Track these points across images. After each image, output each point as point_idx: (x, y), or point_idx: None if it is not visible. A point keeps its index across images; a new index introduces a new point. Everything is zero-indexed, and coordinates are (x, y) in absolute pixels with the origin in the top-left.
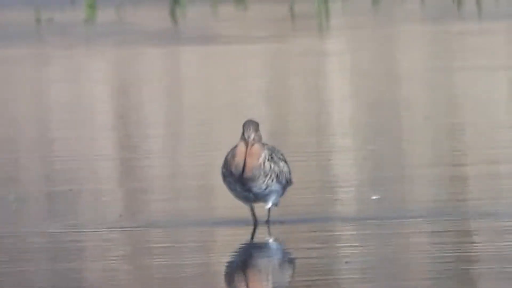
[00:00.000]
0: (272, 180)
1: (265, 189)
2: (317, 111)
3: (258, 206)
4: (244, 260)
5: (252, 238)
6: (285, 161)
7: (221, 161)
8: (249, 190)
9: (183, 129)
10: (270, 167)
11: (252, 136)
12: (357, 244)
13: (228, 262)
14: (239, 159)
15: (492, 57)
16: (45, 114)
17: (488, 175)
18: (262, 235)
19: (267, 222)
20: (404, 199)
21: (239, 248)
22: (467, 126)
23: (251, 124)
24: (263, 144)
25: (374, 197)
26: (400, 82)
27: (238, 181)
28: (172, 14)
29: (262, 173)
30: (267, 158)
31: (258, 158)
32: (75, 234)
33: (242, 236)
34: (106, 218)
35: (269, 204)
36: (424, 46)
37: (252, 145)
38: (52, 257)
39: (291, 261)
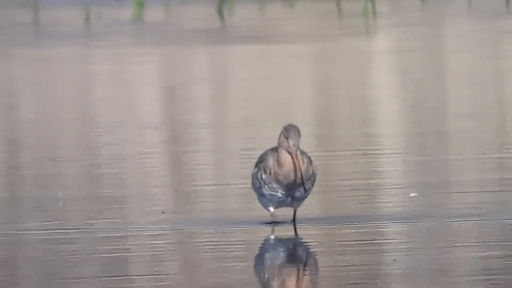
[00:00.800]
0: (312, 184)
1: (305, 192)
2: (363, 111)
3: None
4: (291, 260)
5: (275, 237)
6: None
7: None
8: (291, 195)
9: (229, 129)
10: (312, 171)
11: (298, 144)
12: (403, 242)
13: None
14: (289, 169)
15: None
16: (93, 112)
17: None
18: (305, 235)
19: (294, 221)
20: (444, 200)
21: (285, 248)
22: None
23: (297, 132)
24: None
25: (412, 194)
26: (448, 82)
27: (287, 188)
28: (220, 12)
29: (307, 177)
30: (308, 163)
31: (305, 163)
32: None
33: (282, 233)
34: (152, 216)
35: (298, 207)
36: (473, 45)
37: (296, 151)
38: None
39: (339, 260)
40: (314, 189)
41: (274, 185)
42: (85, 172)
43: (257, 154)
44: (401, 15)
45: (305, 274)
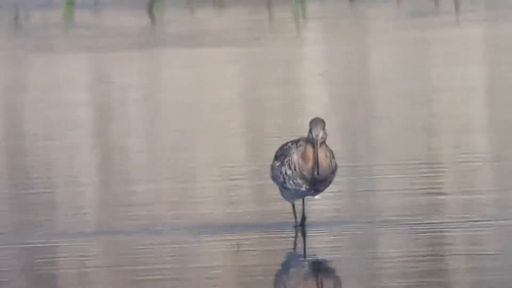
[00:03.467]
0: (334, 177)
1: (328, 185)
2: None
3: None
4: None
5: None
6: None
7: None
8: (316, 189)
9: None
10: (335, 164)
11: (321, 134)
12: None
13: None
14: (314, 164)
15: (468, 53)
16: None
17: None
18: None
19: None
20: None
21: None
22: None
23: (319, 123)
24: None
25: (316, 197)
26: (373, 83)
27: (311, 182)
28: (150, 16)
29: (331, 171)
30: (332, 156)
31: (327, 157)
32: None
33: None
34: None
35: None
36: (401, 47)
37: (321, 144)
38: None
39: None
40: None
41: (299, 181)
42: None
43: (183, 161)
44: (331, 19)
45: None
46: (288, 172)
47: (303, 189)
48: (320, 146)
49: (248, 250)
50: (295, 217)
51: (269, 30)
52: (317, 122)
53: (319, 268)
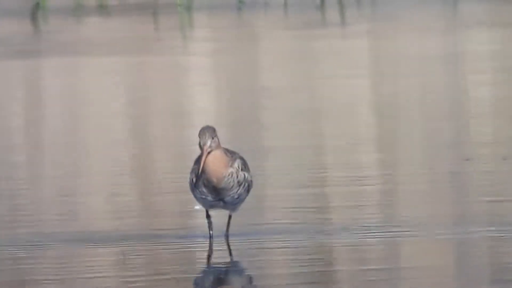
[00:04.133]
0: (245, 190)
1: (237, 198)
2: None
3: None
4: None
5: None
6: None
7: None
8: (221, 199)
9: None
10: (245, 176)
11: (208, 143)
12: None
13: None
14: (208, 172)
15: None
16: None
17: None
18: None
19: (226, 232)
20: None
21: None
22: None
23: (206, 131)
24: (234, 152)
25: (196, 207)
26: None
27: (213, 192)
28: (33, 24)
29: (236, 182)
30: (240, 167)
31: (227, 166)
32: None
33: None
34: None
35: (234, 212)
36: (289, 57)
37: (209, 152)
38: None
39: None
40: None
41: (204, 189)
42: None
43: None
44: (219, 28)
45: None
46: (194, 180)
47: (210, 198)
48: (206, 154)
49: (135, 259)
50: (209, 228)
51: (154, 40)
52: (204, 131)
53: (210, 279)
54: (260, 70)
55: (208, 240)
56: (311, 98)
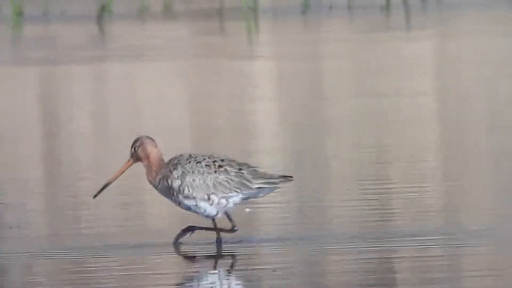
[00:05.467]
0: (177, 196)
1: (179, 204)
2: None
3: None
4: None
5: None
6: (215, 171)
7: None
8: (176, 202)
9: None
10: (167, 184)
11: (131, 153)
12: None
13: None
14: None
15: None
16: None
17: None
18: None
19: (218, 240)
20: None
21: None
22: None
23: (134, 141)
24: (177, 157)
25: (247, 210)
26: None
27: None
28: (100, 29)
29: (165, 191)
30: (164, 175)
31: (155, 175)
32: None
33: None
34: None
35: (210, 217)
36: (349, 55)
37: (128, 161)
38: None
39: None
40: None
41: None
42: None
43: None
44: (283, 32)
45: None
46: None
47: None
48: (128, 162)
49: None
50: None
51: (219, 44)
52: (134, 141)
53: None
54: (323, 75)
55: (265, 245)
56: (374, 108)
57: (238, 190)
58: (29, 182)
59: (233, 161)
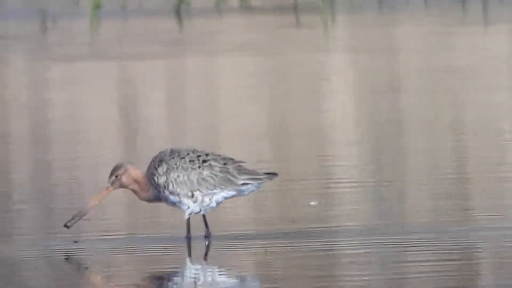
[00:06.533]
0: (164, 192)
1: (167, 200)
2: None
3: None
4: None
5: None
6: (199, 167)
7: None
8: (166, 200)
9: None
10: (154, 181)
11: (110, 181)
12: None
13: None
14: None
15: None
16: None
17: None
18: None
19: (187, 235)
20: None
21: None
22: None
23: (111, 170)
24: (157, 158)
25: (312, 203)
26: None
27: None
28: (179, 22)
29: (157, 189)
30: (149, 178)
31: (147, 189)
32: None
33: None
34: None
35: (185, 214)
36: (425, 45)
37: (107, 188)
38: None
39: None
40: None
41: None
42: None
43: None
44: (359, 26)
45: None
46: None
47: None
48: (101, 194)
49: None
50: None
51: (295, 37)
52: (111, 169)
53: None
54: (399, 69)
55: (345, 240)
56: (452, 109)
57: (223, 187)
58: None
59: (218, 155)
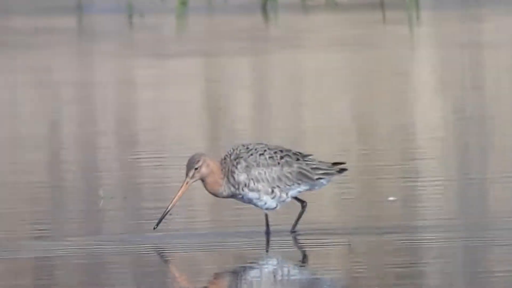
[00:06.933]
0: (242, 190)
1: (242, 197)
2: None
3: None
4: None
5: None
6: (279, 163)
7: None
8: (241, 198)
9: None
10: (234, 179)
11: (190, 174)
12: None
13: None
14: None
15: None
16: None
17: None
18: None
19: (266, 230)
20: None
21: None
22: None
23: (188, 162)
24: (233, 153)
25: (390, 198)
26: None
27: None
28: (265, 20)
29: (231, 189)
30: (227, 174)
31: (219, 184)
32: None
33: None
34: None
35: (264, 210)
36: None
37: (186, 182)
38: None
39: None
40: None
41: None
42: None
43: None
44: (446, 22)
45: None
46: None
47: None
48: (186, 186)
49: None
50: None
51: (382, 34)
52: (188, 161)
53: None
54: (484, 67)
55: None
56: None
57: (300, 182)
58: None
59: (289, 150)
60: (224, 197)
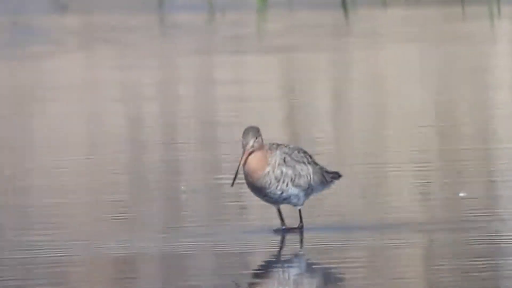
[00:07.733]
0: (287, 185)
1: (281, 193)
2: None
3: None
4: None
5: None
6: (309, 162)
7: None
8: (265, 195)
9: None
10: (282, 172)
11: (251, 143)
12: None
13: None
14: (246, 171)
15: None
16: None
17: None
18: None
19: (300, 225)
20: None
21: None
22: None
23: (249, 131)
24: (277, 146)
25: (461, 194)
26: None
27: (252, 190)
28: (345, 16)
29: (273, 179)
30: (277, 163)
31: (265, 166)
32: None
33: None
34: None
35: (298, 206)
36: None
37: (250, 152)
38: None
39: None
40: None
41: (249, 187)
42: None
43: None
44: None
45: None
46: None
47: (256, 195)
48: (248, 154)
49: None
50: (281, 221)
51: (461, 29)
52: (247, 131)
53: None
54: None
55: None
56: None
57: (324, 182)
58: None
59: (306, 152)
60: (261, 180)
